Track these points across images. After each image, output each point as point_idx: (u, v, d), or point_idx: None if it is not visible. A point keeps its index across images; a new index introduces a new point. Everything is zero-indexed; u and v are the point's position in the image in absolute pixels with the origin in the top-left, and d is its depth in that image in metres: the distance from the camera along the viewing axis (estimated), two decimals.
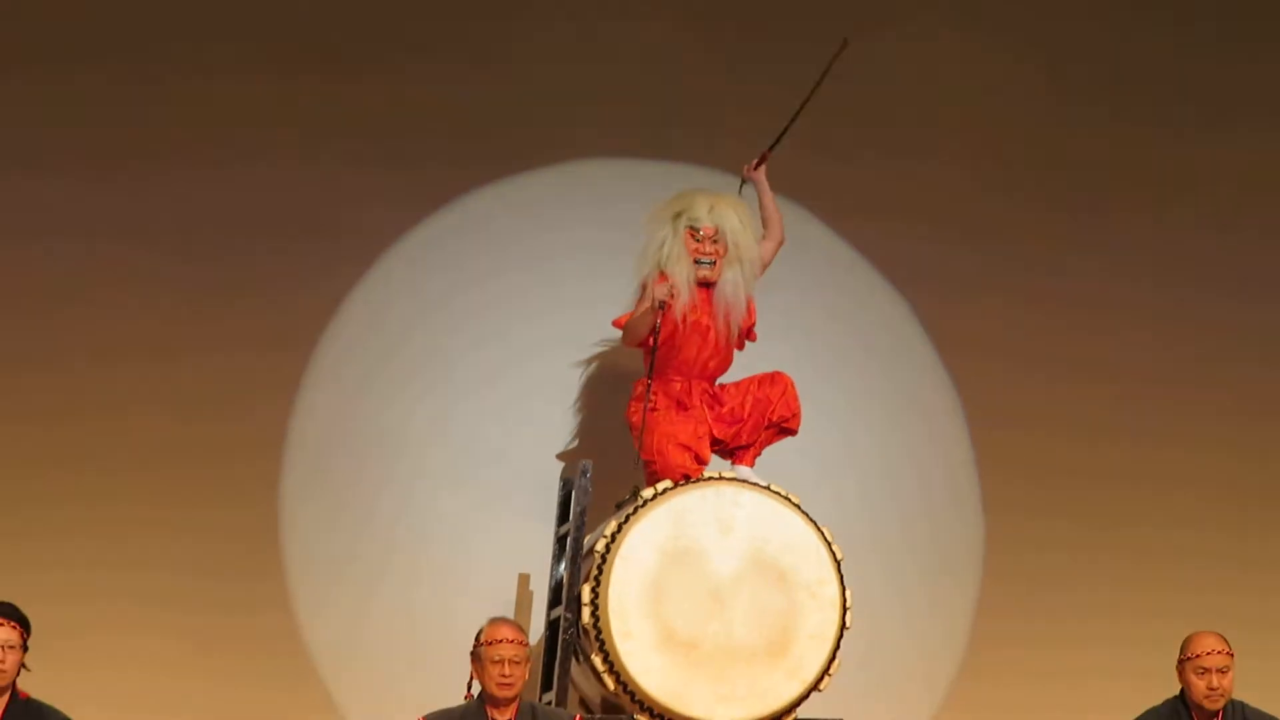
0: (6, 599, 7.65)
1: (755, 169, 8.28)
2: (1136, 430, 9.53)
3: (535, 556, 8.58)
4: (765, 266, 8.26)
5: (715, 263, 8.01)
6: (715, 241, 8.01)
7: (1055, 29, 9.68)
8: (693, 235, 8.01)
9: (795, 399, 8.06)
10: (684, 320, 8.03)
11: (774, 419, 8.01)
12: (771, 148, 8.25)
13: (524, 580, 8.81)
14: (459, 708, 7.07)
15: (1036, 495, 9.38)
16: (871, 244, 9.30)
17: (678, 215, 8.07)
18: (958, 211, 9.37)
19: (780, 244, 8.28)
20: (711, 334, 8.05)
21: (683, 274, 8.05)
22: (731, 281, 8.04)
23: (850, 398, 9.21)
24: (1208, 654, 7.71)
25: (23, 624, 7.37)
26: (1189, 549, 9.57)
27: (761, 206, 8.28)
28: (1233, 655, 7.82)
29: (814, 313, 9.09)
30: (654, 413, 8.03)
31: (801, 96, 8.50)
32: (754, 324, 8.20)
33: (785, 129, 8.23)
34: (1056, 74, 9.67)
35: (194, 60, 8.92)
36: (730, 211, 8.10)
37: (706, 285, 8.02)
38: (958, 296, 9.33)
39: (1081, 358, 9.51)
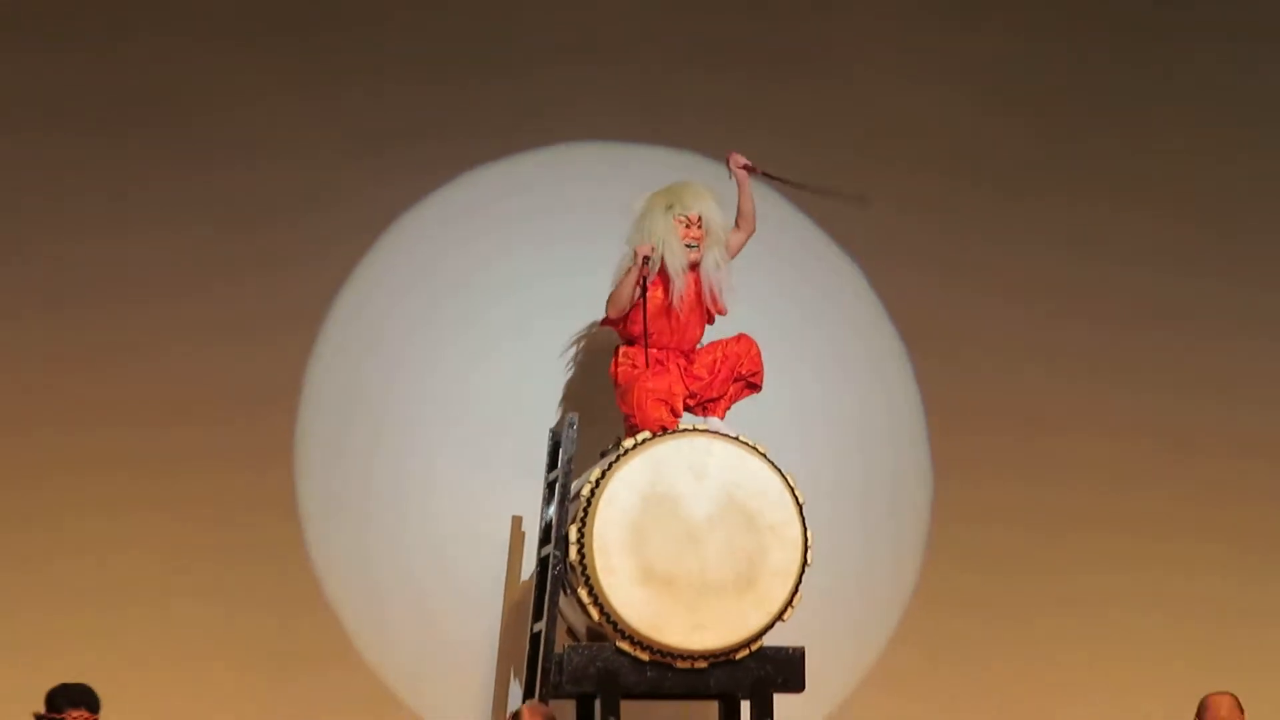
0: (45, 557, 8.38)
1: (743, 167, 8.58)
2: (1080, 381, 9.71)
3: (527, 500, 8.97)
4: (734, 254, 8.60)
5: (699, 245, 8.48)
6: (699, 227, 8.46)
7: (1017, 20, 9.79)
8: (680, 223, 8.47)
9: (759, 357, 8.50)
10: (681, 301, 8.47)
11: (741, 373, 8.46)
12: (764, 173, 8.58)
13: (517, 522, 9.15)
14: None
15: (979, 440, 9.65)
16: (828, 217, 9.50)
17: (669, 206, 8.50)
18: (912, 187, 9.64)
19: (750, 235, 8.60)
20: (688, 310, 8.52)
21: (677, 258, 8.48)
22: (713, 260, 8.50)
23: (809, 359, 9.50)
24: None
25: (95, 709, 7.46)
26: (1126, 486, 9.76)
27: (741, 199, 8.60)
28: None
29: (775, 283, 9.32)
30: (634, 371, 8.45)
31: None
32: (724, 303, 8.54)
33: (779, 179, 8.59)
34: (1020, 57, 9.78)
35: (202, 35, 9.01)
36: (708, 198, 8.54)
37: (694, 266, 8.48)
38: (909, 266, 9.62)
39: (1024, 319, 9.75)
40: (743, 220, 8.59)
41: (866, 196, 8.74)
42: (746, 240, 8.63)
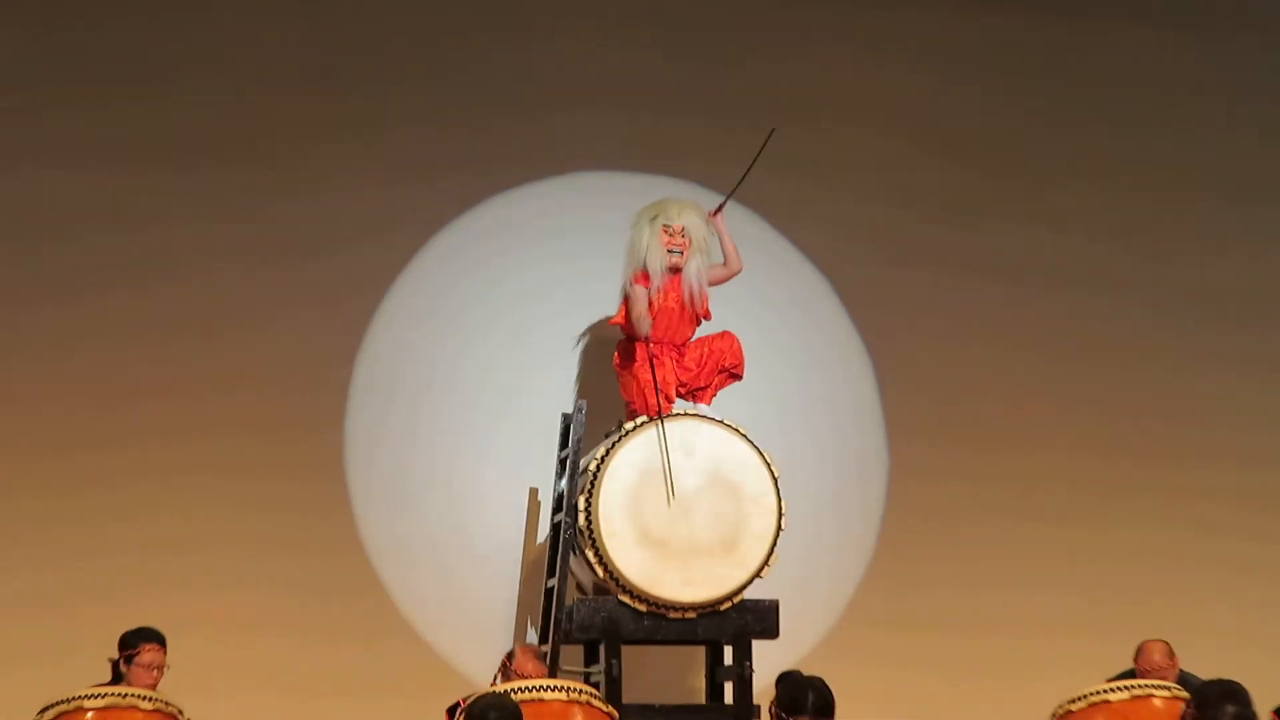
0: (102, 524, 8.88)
1: (714, 215, 8.97)
2: (1008, 358, 10.26)
3: (542, 474, 9.39)
4: (714, 283, 8.94)
5: (683, 252, 8.86)
6: (682, 236, 8.86)
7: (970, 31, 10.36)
8: (665, 231, 8.85)
9: (740, 351, 8.93)
10: (659, 301, 8.86)
11: (725, 365, 8.91)
12: (722, 204, 8.96)
13: (533, 493, 9.57)
14: None
15: (931, 415, 10.16)
16: (800, 237, 10.08)
17: (654, 217, 8.89)
18: (862, 215, 10.13)
19: (735, 273, 8.97)
20: (678, 310, 8.89)
21: (657, 261, 8.84)
22: (695, 267, 8.88)
23: (783, 353, 9.99)
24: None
25: (163, 644, 7.78)
26: (1055, 447, 10.27)
27: (721, 243, 8.99)
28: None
29: (755, 289, 9.66)
30: (635, 365, 8.83)
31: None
32: (708, 307, 8.97)
33: (730, 194, 8.93)
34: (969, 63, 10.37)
35: (263, 80, 9.54)
36: (693, 213, 8.95)
37: (676, 270, 8.84)
38: (865, 276, 10.17)
39: (965, 301, 10.25)
40: (726, 259, 8.97)
41: (773, 130, 8.88)
42: (729, 277, 9.02)
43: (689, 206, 8.97)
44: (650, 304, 8.78)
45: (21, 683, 8.29)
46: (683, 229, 8.87)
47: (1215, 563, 10.25)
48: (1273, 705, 7.91)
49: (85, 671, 7.79)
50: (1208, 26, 10.73)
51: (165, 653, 7.67)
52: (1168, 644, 8.64)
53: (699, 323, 8.96)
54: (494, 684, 8.09)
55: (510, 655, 8.29)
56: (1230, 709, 6.09)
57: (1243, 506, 10.38)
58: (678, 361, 8.89)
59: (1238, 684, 6.21)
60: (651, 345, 8.79)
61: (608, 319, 9.11)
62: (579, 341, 9.77)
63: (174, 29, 9.49)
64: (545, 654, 8.52)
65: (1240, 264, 10.70)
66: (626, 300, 8.85)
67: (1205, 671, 7.83)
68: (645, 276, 8.82)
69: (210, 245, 9.45)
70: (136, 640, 7.67)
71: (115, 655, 7.73)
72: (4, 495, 9.10)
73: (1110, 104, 10.57)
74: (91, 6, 9.43)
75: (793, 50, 10.10)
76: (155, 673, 7.62)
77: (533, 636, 9.37)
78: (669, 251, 8.85)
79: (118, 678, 7.67)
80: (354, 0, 9.81)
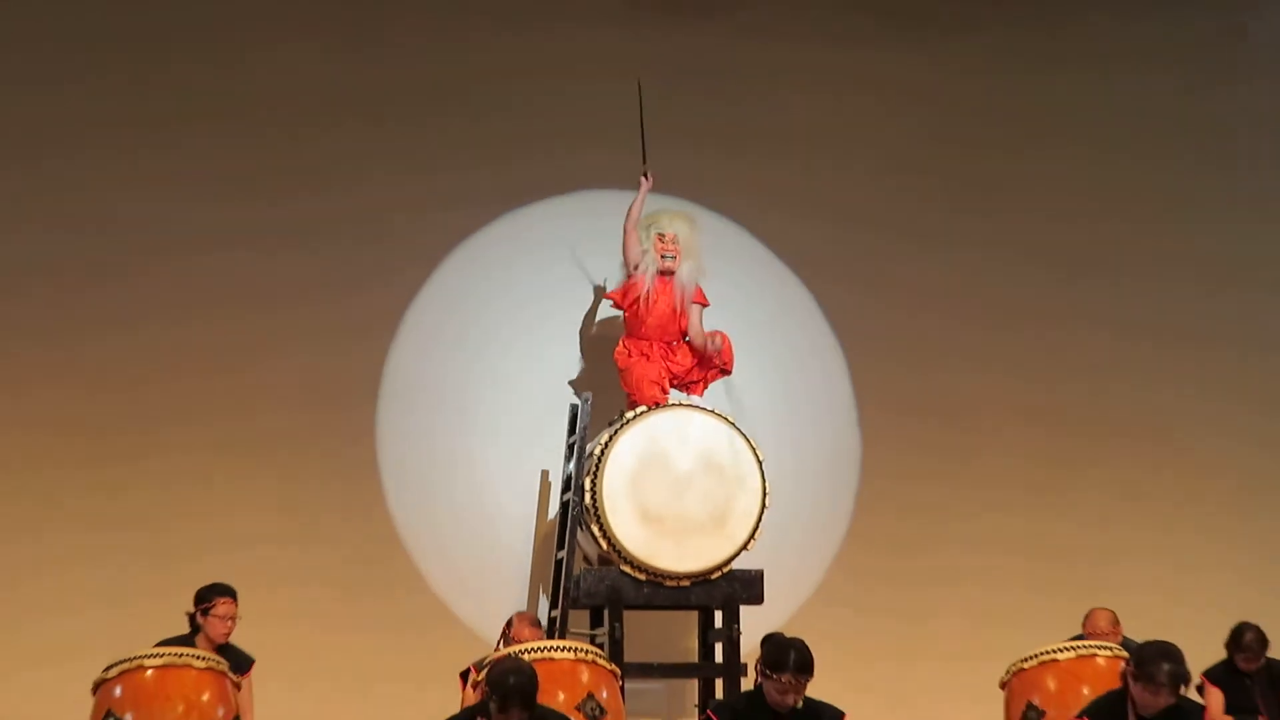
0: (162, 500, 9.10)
1: (644, 177, 9.07)
2: (975, 372, 10.49)
3: (552, 458, 9.62)
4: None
5: (675, 257, 9.06)
6: (674, 244, 9.06)
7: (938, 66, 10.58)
8: (660, 238, 9.06)
9: (730, 350, 9.18)
10: (651, 300, 9.03)
11: (716, 362, 9.17)
12: (644, 166, 9.10)
13: (544, 474, 9.70)
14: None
15: (899, 408, 10.40)
16: (784, 248, 10.28)
17: (649, 226, 9.11)
18: (834, 236, 10.32)
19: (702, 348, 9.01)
20: (669, 313, 9.10)
21: (651, 265, 9.00)
22: (686, 271, 9.09)
23: (769, 351, 10.18)
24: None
25: (235, 597, 7.88)
26: (1010, 451, 10.56)
27: (633, 206, 9.01)
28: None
29: (744, 294, 9.97)
30: (632, 359, 9.04)
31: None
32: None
33: (644, 155, 9.12)
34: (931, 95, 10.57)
35: (319, 116, 9.76)
36: (684, 223, 9.17)
37: (668, 274, 9.04)
38: (841, 282, 10.35)
39: (925, 308, 10.46)
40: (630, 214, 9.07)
41: (639, 81, 9.13)
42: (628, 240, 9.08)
43: (680, 217, 9.19)
44: (647, 302, 9.00)
45: (98, 626, 8.82)
46: (674, 236, 9.08)
47: (1151, 526, 10.57)
48: (1205, 664, 8.52)
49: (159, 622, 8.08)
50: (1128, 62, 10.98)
51: (237, 605, 7.83)
52: (1113, 612, 8.80)
53: (704, 347, 9.17)
54: (497, 648, 8.15)
55: (509, 623, 8.31)
56: (1166, 667, 6.34)
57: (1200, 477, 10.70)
58: (670, 357, 9.10)
59: (1173, 645, 6.47)
60: (644, 343, 9.04)
61: (609, 301, 9.33)
62: (584, 341, 9.90)
63: (246, 73, 9.79)
64: (539, 620, 8.55)
65: (1159, 258, 10.90)
66: (622, 293, 9.11)
67: (1146, 625, 8.29)
68: (638, 280, 9.05)
69: (272, 272, 9.72)
70: (211, 595, 7.84)
71: (191, 609, 7.91)
72: (93, 462, 9.32)
73: (1048, 133, 10.83)
74: (181, 58, 9.69)
75: (776, 85, 10.42)
76: (229, 623, 7.80)
77: (544, 602, 9.48)
78: (662, 257, 9.05)
79: (195, 630, 7.87)
80: (396, 50, 9.99)
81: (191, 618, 7.95)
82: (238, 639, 7.99)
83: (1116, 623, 8.79)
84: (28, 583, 9.20)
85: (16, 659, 9.02)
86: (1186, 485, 10.67)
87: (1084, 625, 8.82)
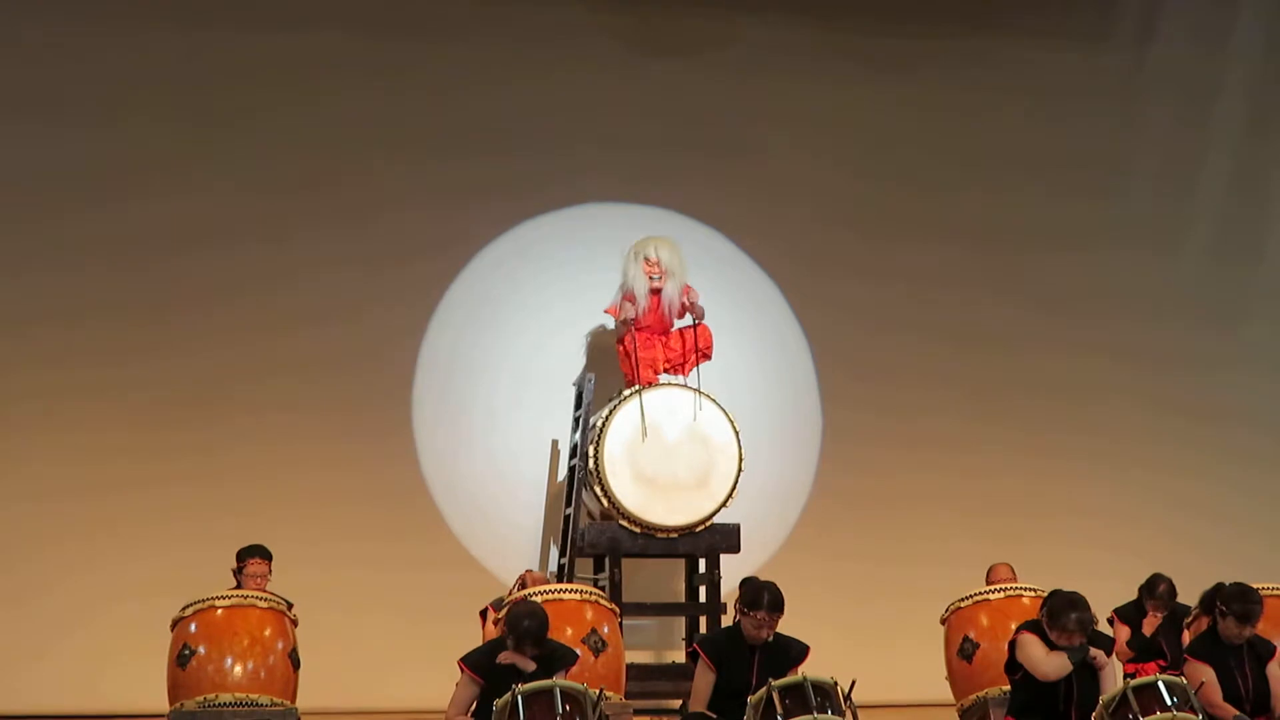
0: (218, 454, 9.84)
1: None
2: (918, 347, 11.12)
3: (561, 429, 10.35)
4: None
5: (660, 278, 9.77)
6: (659, 266, 9.79)
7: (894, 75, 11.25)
8: (646, 262, 9.79)
9: (710, 338, 9.96)
10: (644, 314, 9.79)
11: (700, 348, 9.95)
12: None
13: (554, 444, 10.46)
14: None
15: (854, 385, 11.08)
16: (757, 251, 11.00)
17: (637, 253, 9.81)
18: (808, 234, 10.94)
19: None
20: (659, 319, 9.91)
21: (642, 286, 9.68)
22: (670, 289, 9.79)
23: (743, 338, 10.91)
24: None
25: (269, 558, 8.29)
26: (958, 414, 11.14)
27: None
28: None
29: (723, 292, 10.57)
30: (631, 348, 9.81)
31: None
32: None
33: None
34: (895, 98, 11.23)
35: (359, 140, 10.50)
36: (666, 247, 9.85)
37: (657, 291, 9.82)
38: (809, 277, 11.04)
39: (883, 300, 11.10)
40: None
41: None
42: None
43: (664, 243, 9.90)
44: (635, 319, 9.71)
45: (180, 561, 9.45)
46: (659, 260, 9.83)
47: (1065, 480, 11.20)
48: (1112, 605, 8.99)
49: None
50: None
51: (269, 564, 8.29)
52: (1010, 565, 9.37)
53: (680, 315, 9.98)
54: (511, 593, 8.48)
55: (522, 581, 8.71)
56: (1073, 615, 6.62)
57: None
58: (664, 344, 9.91)
59: (1078, 593, 6.74)
60: (639, 334, 9.79)
61: (608, 310, 10.09)
62: (589, 330, 10.64)
63: (290, 102, 10.57)
64: (547, 579, 9.04)
65: (1069, 266, 11.56)
66: (618, 309, 9.86)
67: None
68: (632, 296, 9.83)
69: (320, 258, 10.39)
70: (245, 555, 8.36)
71: (234, 565, 8.49)
72: (179, 425, 10.02)
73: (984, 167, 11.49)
74: (245, 97, 10.43)
75: (755, 119, 11.11)
76: (260, 580, 8.28)
77: (554, 551, 10.17)
78: (650, 278, 9.79)
79: (239, 584, 8.40)
80: (426, 78, 10.72)
81: (235, 572, 8.48)
82: (297, 577, 8.61)
83: (1013, 575, 9.28)
84: (125, 529, 10.00)
85: (111, 595, 9.79)
86: (1096, 445, 11.23)
87: (988, 578, 9.31)
